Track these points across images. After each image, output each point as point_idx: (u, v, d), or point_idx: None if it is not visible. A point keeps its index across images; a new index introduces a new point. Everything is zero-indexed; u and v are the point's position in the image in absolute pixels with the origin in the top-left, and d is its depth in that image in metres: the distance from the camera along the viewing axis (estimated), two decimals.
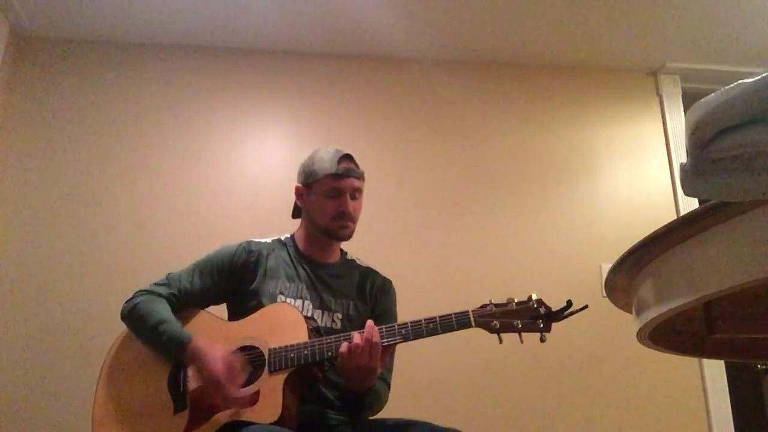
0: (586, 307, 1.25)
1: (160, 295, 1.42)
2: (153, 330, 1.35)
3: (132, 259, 2.27)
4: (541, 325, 1.27)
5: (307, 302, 1.46)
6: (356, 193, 1.53)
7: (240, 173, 2.47)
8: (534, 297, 1.31)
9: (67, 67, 2.51)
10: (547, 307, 1.29)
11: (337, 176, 1.49)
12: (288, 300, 1.45)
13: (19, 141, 2.38)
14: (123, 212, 2.35)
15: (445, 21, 2.50)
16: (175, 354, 1.33)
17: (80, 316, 2.19)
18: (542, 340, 1.27)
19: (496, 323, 1.28)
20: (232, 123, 2.54)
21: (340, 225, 1.50)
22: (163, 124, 2.50)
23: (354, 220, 1.53)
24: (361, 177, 1.55)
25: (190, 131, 2.51)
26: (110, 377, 1.37)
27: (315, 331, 1.40)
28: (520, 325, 1.27)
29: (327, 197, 1.50)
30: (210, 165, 2.47)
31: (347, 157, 1.54)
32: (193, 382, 1.32)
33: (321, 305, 1.47)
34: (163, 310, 1.38)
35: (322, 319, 1.45)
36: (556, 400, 2.34)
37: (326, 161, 1.51)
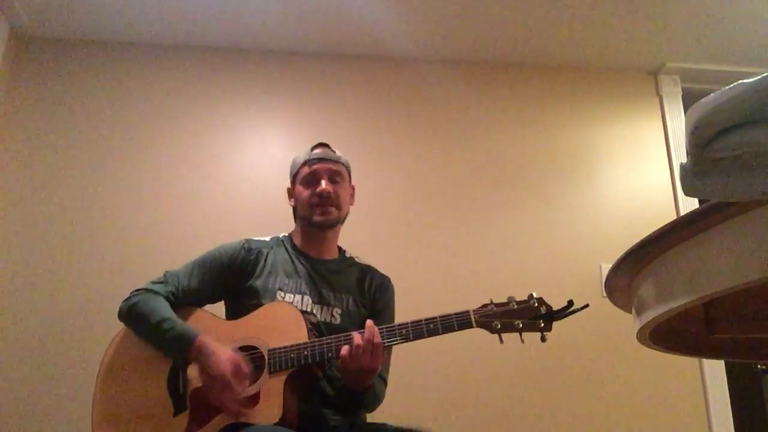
0: (587, 306, 1.25)
1: (157, 293, 1.41)
2: (156, 328, 1.33)
3: (132, 258, 2.27)
4: (542, 325, 1.27)
5: (306, 297, 1.46)
6: (335, 176, 1.54)
7: (240, 173, 2.47)
8: (534, 296, 1.30)
9: (67, 67, 2.51)
10: (548, 306, 1.29)
11: (310, 161, 1.54)
12: (287, 295, 1.44)
13: (19, 141, 2.38)
14: (122, 211, 2.35)
15: (445, 21, 2.50)
16: (182, 352, 1.31)
17: (79, 315, 2.19)
18: (543, 339, 1.27)
19: (497, 323, 1.27)
20: (231, 123, 2.54)
21: (320, 211, 1.50)
22: (162, 124, 2.50)
23: (334, 204, 1.51)
24: (337, 161, 1.56)
25: (189, 131, 2.51)
26: (109, 378, 1.36)
27: (314, 326, 1.40)
28: (521, 325, 1.27)
29: (304, 185, 1.53)
30: (210, 165, 2.47)
31: (322, 144, 1.60)
32: (193, 383, 1.32)
33: (320, 300, 1.47)
34: (163, 308, 1.37)
35: (321, 314, 1.44)
36: (555, 400, 2.34)
37: (302, 153, 1.58)
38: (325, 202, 1.50)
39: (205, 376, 1.28)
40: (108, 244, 2.30)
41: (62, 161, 2.39)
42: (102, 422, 1.32)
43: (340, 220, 1.55)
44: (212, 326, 1.39)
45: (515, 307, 1.29)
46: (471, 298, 1.36)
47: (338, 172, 1.55)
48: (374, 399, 1.42)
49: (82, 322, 2.18)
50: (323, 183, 1.50)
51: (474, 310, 1.29)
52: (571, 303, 1.26)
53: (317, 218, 1.50)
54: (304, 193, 1.53)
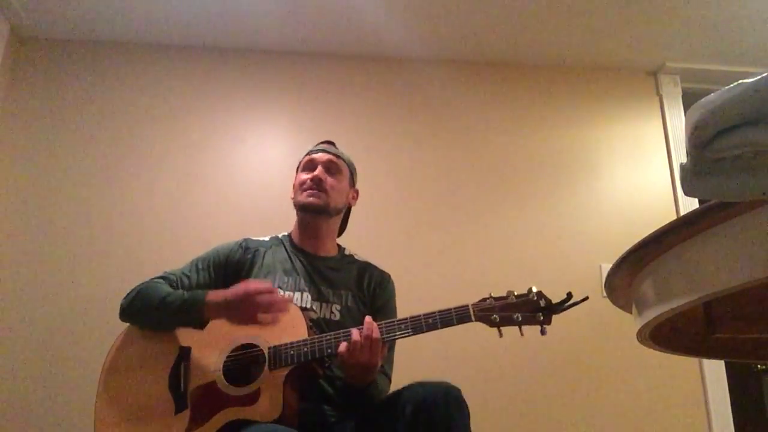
0: (586, 298, 1.25)
1: (157, 282, 1.43)
2: (162, 303, 1.34)
3: (132, 258, 2.27)
4: (542, 318, 1.26)
5: (305, 294, 1.47)
6: (332, 168, 1.58)
7: (240, 173, 2.47)
8: (534, 289, 1.30)
9: (67, 67, 2.51)
10: (547, 300, 1.28)
11: (312, 151, 1.62)
12: (286, 293, 1.45)
13: (19, 141, 2.39)
14: (123, 211, 2.36)
15: (445, 21, 2.50)
16: (198, 312, 1.32)
17: (80, 315, 2.19)
18: (543, 332, 1.26)
19: (495, 317, 1.27)
20: (231, 123, 2.54)
21: (308, 193, 1.53)
22: (162, 124, 2.50)
23: (324, 189, 1.53)
24: (338, 156, 1.61)
25: (189, 131, 2.51)
26: (111, 377, 1.37)
27: (314, 323, 1.40)
28: (520, 318, 1.26)
29: (303, 171, 1.59)
30: (210, 165, 2.47)
31: (328, 141, 1.67)
32: (194, 381, 1.32)
33: (319, 297, 1.47)
34: (166, 289, 1.39)
35: (320, 311, 1.45)
36: (555, 400, 2.34)
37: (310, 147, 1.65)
38: (316, 184, 1.53)
39: (235, 310, 1.30)
40: (108, 244, 2.30)
41: (62, 161, 2.39)
42: (104, 421, 1.32)
43: (329, 210, 1.56)
44: (213, 324, 1.39)
45: (514, 300, 1.29)
46: (470, 298, 1.36)
47: (336, 165, 1.58)
48: (378, 395, 1.41)
49: (84, 322, 2.18)
50: (318, 169, 1.55)
51: (473, 304, 1.29)
52: (570, 296, 1.26)
53: (302, 199, 1.54)
54: (300, 177, 1.58)
